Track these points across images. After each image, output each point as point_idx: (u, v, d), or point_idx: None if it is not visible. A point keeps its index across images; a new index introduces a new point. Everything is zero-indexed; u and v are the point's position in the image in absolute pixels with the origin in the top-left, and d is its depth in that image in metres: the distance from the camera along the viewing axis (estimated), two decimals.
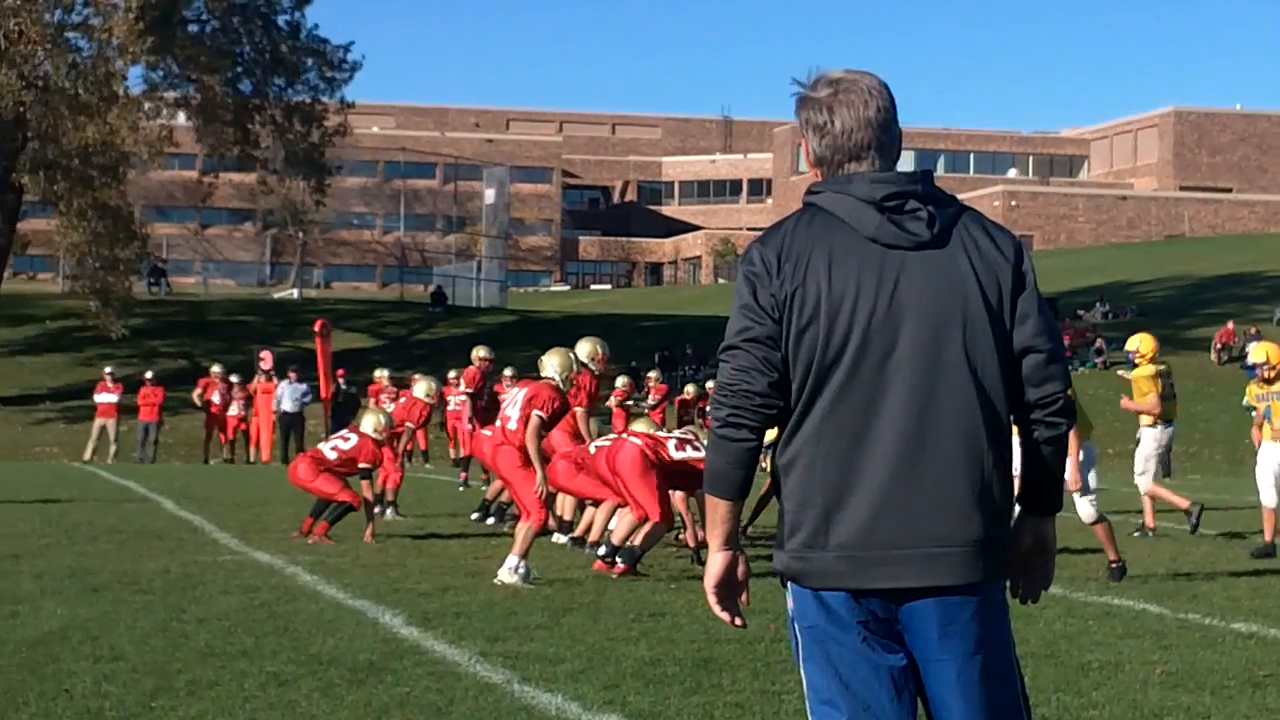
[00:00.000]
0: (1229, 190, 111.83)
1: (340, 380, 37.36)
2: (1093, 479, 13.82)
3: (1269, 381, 15.74)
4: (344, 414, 37.56)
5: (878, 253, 3.91)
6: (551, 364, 13.89)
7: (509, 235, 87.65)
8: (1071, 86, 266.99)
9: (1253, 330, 53.51)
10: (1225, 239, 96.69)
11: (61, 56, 45.42)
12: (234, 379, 37.36)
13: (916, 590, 3.87)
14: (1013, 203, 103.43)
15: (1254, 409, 16.24)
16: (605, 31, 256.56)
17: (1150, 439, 17.76)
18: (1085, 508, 13.74)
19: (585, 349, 15.36)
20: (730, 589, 4.01)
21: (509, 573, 12.57)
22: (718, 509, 3.95)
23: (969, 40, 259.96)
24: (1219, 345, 52.88)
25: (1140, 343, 17.61)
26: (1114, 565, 13.48)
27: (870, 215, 3.92)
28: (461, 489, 25.28)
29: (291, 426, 37.32)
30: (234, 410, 37.13)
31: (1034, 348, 3.96)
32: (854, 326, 3.87)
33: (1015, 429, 4.04)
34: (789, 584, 3.99)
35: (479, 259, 79.81)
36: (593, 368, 15.62)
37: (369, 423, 16.97)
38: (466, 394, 24.53)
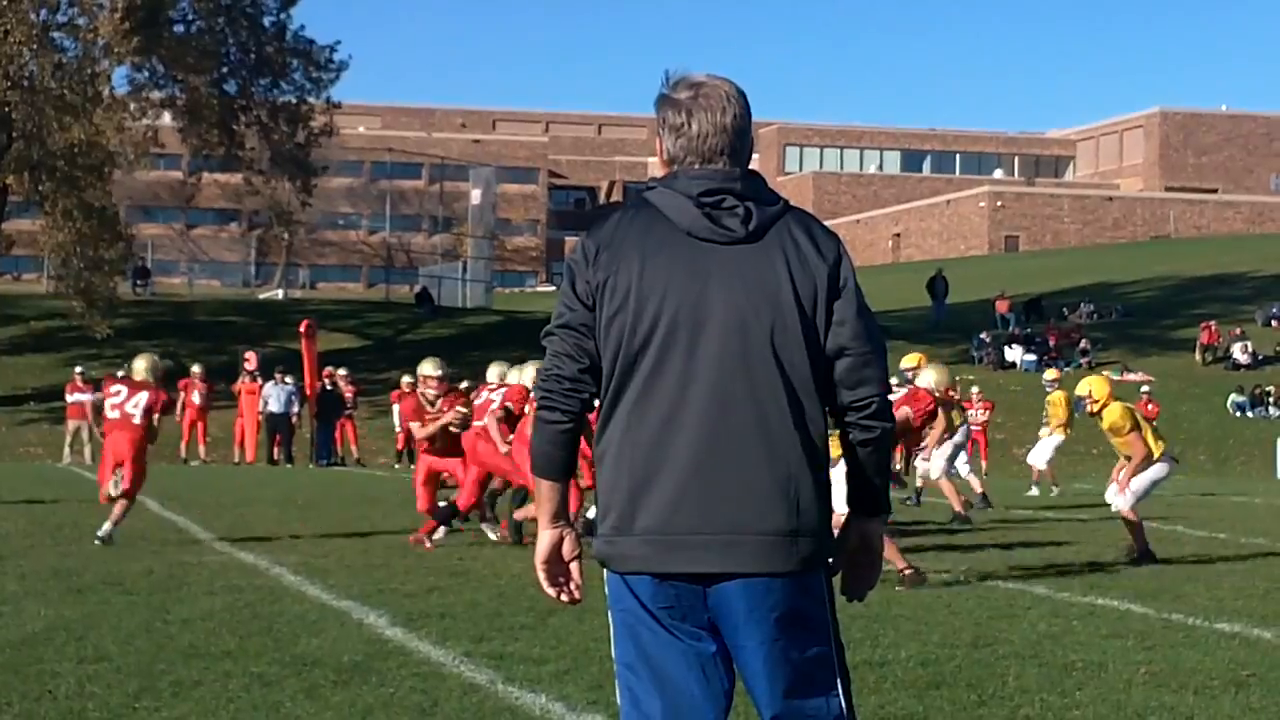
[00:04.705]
0: (1214, 191, 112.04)
1: (326, 380, 37.36)
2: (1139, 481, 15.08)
3: (1095, 415, 15.74)
4: (329, 413, 37.62)
5: (692, 246, 4.02)
6: (529, 373, 14.88)
7: (495, 235, 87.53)
8: (1057, 87, 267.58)
9: (1237, 330, 53.65)
10: (1211, 240, 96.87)
11: (47, 56, 45.34)
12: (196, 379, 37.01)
13: (721, 575, 3.94)
14: (999, 203, 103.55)
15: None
16: (591, 32, 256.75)
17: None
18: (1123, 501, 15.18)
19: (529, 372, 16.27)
20: (558, 566, 4.15)
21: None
22: (541, 487, 4.11)
23: (955, 41, 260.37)
24: (1203, 345, 52.99)
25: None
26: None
27: (688, 209, 4.03)
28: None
29: (278, 427, 37.31)
30: (196, 399, 36.70)
31: (848, 350, 4.03)
32: (661, 317, 3.98)
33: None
34: (604, 569, 4.09)
35: (465, 259, 79.70)
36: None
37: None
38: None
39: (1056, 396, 26.22)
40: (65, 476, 28.55)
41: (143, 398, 16.65)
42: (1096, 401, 15.57)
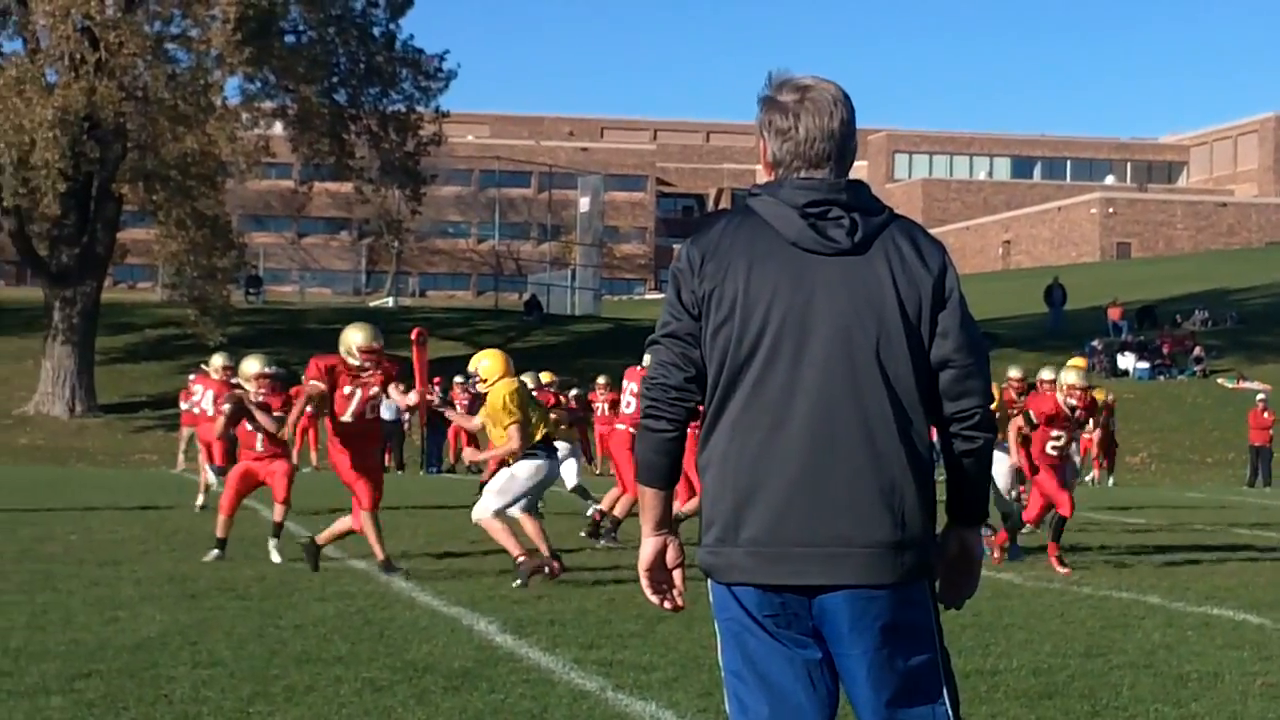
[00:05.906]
0: None
1: (436, 388, 37.55)
2: None
3: None
4: (440, 421, 37.83)
5: (798, 257, 4.00)
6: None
7: (603, 243, 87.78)
8: (1170, 92, 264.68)
9: None
10: None
11: (160, 68, 45.85)
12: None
13: (826, 586, 3.93)
14: (1110, 210, 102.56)
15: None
16: (700, 38, 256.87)
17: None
18: None
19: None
20: (661, 573, 4.16)
21: None
22: (645, 495, 4.13)
23: (1066, 46, 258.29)
24: None
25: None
26: None
27: (794, 220, 4.01)
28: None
29: (389, 435, 37.51)
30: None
31: (951, 361, 4.02)
32: (767, 327, 3.97)
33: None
34: (708, 579, 4.09)
35: (573, 267, 79.91)
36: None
37: None
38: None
39: None
40: (180, 483, 28.88)
41: (209, 395, 21.58)
42: None
